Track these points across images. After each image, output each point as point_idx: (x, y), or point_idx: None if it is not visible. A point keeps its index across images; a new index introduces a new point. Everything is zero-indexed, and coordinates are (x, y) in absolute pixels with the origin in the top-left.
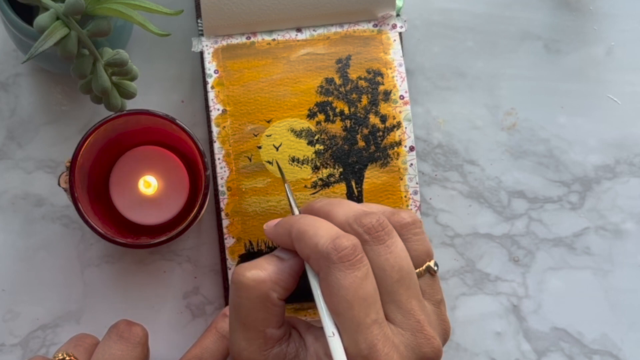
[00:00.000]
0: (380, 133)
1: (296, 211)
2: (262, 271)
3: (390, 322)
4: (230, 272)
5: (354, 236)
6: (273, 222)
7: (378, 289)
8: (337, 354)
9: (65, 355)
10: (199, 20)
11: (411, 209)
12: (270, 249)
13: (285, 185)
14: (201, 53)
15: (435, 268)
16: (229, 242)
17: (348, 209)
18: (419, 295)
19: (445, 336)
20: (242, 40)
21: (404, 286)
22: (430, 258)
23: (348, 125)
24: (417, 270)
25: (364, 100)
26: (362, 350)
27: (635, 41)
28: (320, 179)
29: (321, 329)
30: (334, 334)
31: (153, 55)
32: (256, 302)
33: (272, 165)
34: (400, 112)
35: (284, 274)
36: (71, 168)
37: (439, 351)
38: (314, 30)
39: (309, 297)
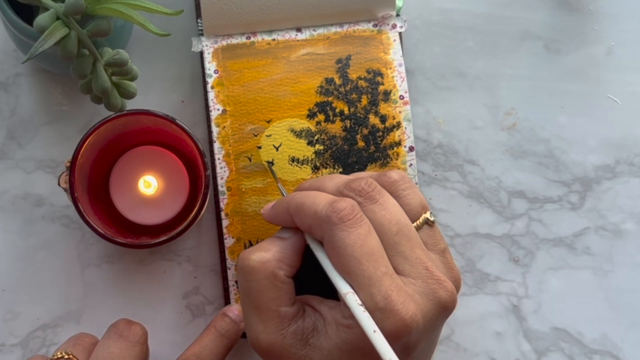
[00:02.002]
0: (380, 133)
1: (286, 195)
2: (266, 252)
3: (400, 274)
4: (230, 272)
5: (349, 198)
6: (269, 205)
7: (382, 245)
8: (356, 309)
9: (64, 354)
10: (199, 20)
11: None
12: None
13: (279, 185)
14: (201, 53)
15: (432, 219)
16: (228, 242)
17: (337, 179)
18: (421, 245)
19: (456, 284)
20: (242, 40)
21: (404, 237)
22: (425, 210)
23: (348, 125)
24: (415, 224)
25: (364, 101)
26: (378, 302)
27: (635, 41)
28: None
29: (335, 298)
30: (349, 292)
31: (153, 55)
32: (265, 283)
33: (272, 165)
34: (400, 112)
35: (287, 251)
36: (71, 168)
37: (453, 294)
38: (314, 30)
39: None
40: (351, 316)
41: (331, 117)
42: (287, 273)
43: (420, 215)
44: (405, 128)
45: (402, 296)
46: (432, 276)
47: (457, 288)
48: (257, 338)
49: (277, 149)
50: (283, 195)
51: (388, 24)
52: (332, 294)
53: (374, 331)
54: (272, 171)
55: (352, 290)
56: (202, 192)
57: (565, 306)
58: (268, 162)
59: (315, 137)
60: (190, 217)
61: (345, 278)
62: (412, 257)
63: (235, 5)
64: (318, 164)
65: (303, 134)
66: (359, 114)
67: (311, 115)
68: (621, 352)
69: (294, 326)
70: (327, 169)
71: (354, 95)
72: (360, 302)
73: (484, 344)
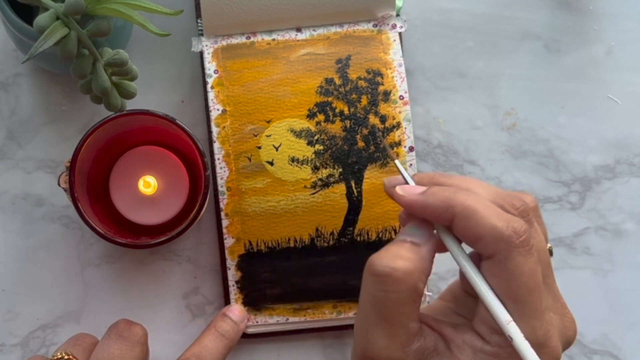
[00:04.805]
0: (380, 133)
1: (411, 181)
2: (408, 262)
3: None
4: (230, 272)
5: (522, 220)
6: (414, 189)
7: None
8: (521, 340)
9: (64, 355)
10: (199, 20)
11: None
12: (269, 249)
13: (396, 161)
14: (201, 53)
15: (553, 250)
16: (228, 242)
17: (487, 189)
18: (555, 278)
19: None
20: (242, 40)
21: (550, 268)
22: (548, 240)
23: (348, 125)
24: None
25: (364, 101)
26: (539, 337)
27: (635, 41)
28: (320, 179)
29: (454, 320)
30: (511, 322)
31: (153, 55)
32: (405, 295)
33: (273, 165)
34: (399, 112)
35: (426, 261)
36: (71, 168)
37: (576, 333)
38: (313, 30)
39: (307, 297)
40: (498, 344)
41: (331, 117)
42: (425, 284)
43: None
44: (405, 128)
45: (556, 333)
46: (566, 313)
47: None
48: (379, 353)
49: (277, 149)
50: (407, 181)
51: (388, 24)
52: (350, 293)
53: None
54: (388, 152)
55: (513, 320)
56: (202, 192)
57: None
58: (389, 145)
59: (315, 137)
60: (190, 217)
61: (509, 304)
62: (554, 292)
63: (235, 5)
64: (318, 164)
65: (303, 134)
66: (358, 114)
67: (311, 116)
68: (621, 352)
69: (417, 344)
70: (327, 169)
71: (353, 96)
72: (522, 334)
73: None
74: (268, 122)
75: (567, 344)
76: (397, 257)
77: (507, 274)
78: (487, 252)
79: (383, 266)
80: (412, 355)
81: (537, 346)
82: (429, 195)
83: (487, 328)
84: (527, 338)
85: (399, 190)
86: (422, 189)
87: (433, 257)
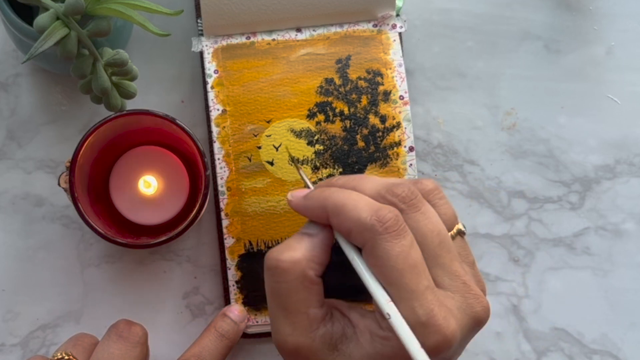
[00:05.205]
0: (380, 133)
1: (312, 187)
2: (295, 251)
3: (439, 286)
4: (230, 272)
5: (393, 207)
6: (300, 193)
7: (423, 257)
8: (399, 320)
9: (64, 355)
10: (199, 20)
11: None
12: (270, 249)
13: (300, 170)
14: (201, 53)
15: (464, 229)
16: (228, 242)
17: (375, 182)
18: (458, 258)
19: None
20: (242, 40)
21: (445, 249)
22: (457, 221)
23: (348, 125)
24: (450, 234)
25: (364, 101)
26: (420, 317)
27: (635, 41)
28: (320, 179)
29: (365, 306)
30: (391, 304)
31: (153, 55)
32: (295, 283)
33: (273, 165)
34: (399, 112)
35: (317, 249)
36: (71, 168)
37: (488, 309)
38: (313, 30)
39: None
40: (389, 328)
41: (331, 117)
42: (317, 272)
43: (454, 226)
44: (405, 128)
45: (444, 311)
46: (470, 290)
47: None
48: (285, 340)
49: (277, 149)
50: (303, 177)
51: (388, 24)
52: (351, 293)
53: (419, 348)
54: (296, 165)
55: (393, 303)
56: (202, 192)
57: (565, 306)
58: (293, 157)
59: (315, 137)
60: (190, 217)
61: (386, 289)
62: (451, 270)
63: (235, 5)
64: (318, 164)
65: (303, 134)
66: (358, 114)
67: (311, 116)
68: (621, 352)
69: (322, 329)
70: (327, 169)
71: (353, 96)
72: (400, 314)
73: (484, 344)
74: (268, 122)
75: (476, 320)
76: (286, 249)
77: (377, 260)
78: (359, 243)
79: (271, 259)
80: (319, 340)
81: (420, 325)
82: (308, 199)
83: (380, 314)
84: (407, 318)
85: (288, 196)
86: (306, 192)
87: (327, 246)
